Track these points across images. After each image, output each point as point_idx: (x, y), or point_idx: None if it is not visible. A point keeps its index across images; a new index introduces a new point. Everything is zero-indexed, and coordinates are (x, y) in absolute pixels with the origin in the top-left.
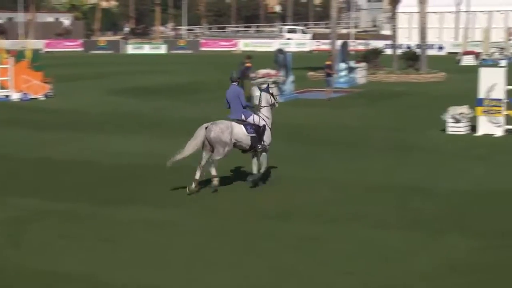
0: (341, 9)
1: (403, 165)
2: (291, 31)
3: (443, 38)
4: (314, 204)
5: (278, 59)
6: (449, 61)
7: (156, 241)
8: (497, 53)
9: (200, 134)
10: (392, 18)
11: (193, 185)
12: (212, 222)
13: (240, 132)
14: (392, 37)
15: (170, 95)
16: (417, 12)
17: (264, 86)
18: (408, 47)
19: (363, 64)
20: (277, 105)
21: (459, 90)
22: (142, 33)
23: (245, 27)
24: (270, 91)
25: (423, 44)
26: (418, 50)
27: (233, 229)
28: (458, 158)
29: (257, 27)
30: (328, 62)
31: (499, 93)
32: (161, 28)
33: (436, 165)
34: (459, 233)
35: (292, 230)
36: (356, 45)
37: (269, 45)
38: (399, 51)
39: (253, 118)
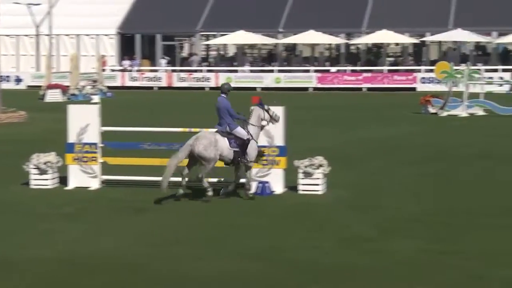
0: None
1: None
2: None
3: (22, 68)
4: None
5: None
6: (31, 97)
7: None
8: (89, 87)
9: (184, 149)
10: None
11: (181, 191)
12: None
13: (224, 145)
14: None
15: None
16: None
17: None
18: None
19: None
20: (274, 122)
21: (45, 133)
22: None
23: None
24: (266, 107)
25: None
26: None
27: None
28: (44, 218)
29: None
30: None
31: (93, 136)
32: None
33: (17, 228)
34: None
35: None
36: None
37: None
38: None
39: (239, 131)
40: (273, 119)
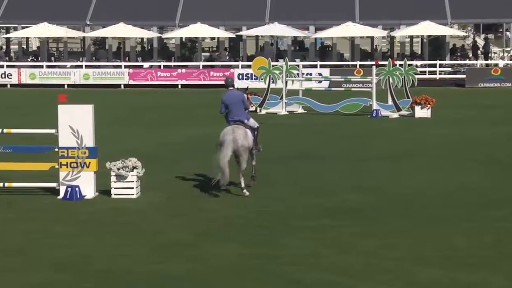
0: None
1: None
2: None
3: None
4: None
5: None
6: None
7: None
8: None
9: (229, 143)
10: None
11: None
12: None
13: (250, 136)
14: None
15: None
16: None
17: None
18: None
19: None
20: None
21: None
22: None
23: None
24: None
25: None
26: None
27: None
28: None
29: None
30: None
31: None
32: None
33: None
34: None
35: None
36: None
37: None
38: None
39: (252, 121)
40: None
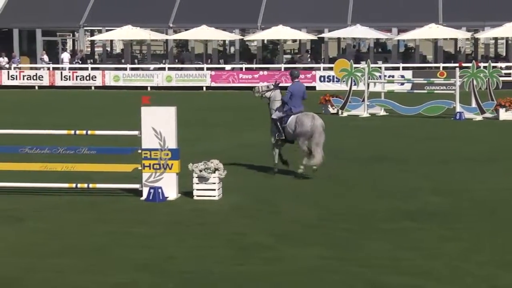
0: None
1: None
2: None
3: None
4: None
5: None
6: None
7: None
8: None
9: (320, 132)
10: None
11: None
12: None
13: None
14: None
15: None
16: None
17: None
18: None
19: None
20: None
21: None
22: None
23: None
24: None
25: None
26: None
27: None
28: None
29: None
30: None
31: None
32: None
33: None
34: None
35: None
36: None
37: None
38: None
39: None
40: None
